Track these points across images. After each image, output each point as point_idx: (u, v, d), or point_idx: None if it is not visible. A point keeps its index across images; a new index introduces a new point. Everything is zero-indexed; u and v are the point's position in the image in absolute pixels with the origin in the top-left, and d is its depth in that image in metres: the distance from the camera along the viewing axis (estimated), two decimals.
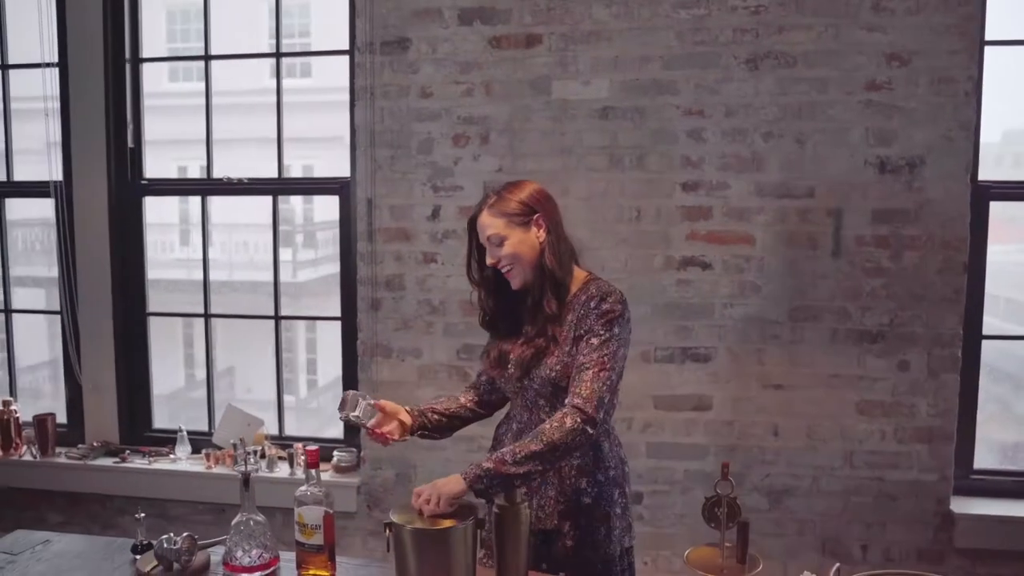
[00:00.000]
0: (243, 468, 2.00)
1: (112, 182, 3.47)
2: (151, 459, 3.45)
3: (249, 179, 3.48)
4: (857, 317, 2.94)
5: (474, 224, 1.99)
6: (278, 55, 3.40)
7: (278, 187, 3.46)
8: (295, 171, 8.71)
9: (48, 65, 3.47)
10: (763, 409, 3.01)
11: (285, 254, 10.64)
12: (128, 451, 3.49)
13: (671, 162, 2.98)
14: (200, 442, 3.49)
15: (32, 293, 6.28)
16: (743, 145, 2.94)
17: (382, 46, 3.10)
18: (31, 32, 3.45)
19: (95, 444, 3.53)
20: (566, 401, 1.86)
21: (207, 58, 3.49)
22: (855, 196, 2.90)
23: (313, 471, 1.94)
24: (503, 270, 1.95)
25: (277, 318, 3.52)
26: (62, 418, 3.66)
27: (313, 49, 9.30)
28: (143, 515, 2.11)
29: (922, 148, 2.86)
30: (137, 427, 3.60)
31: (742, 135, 2.94)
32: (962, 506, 2.97)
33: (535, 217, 1.93)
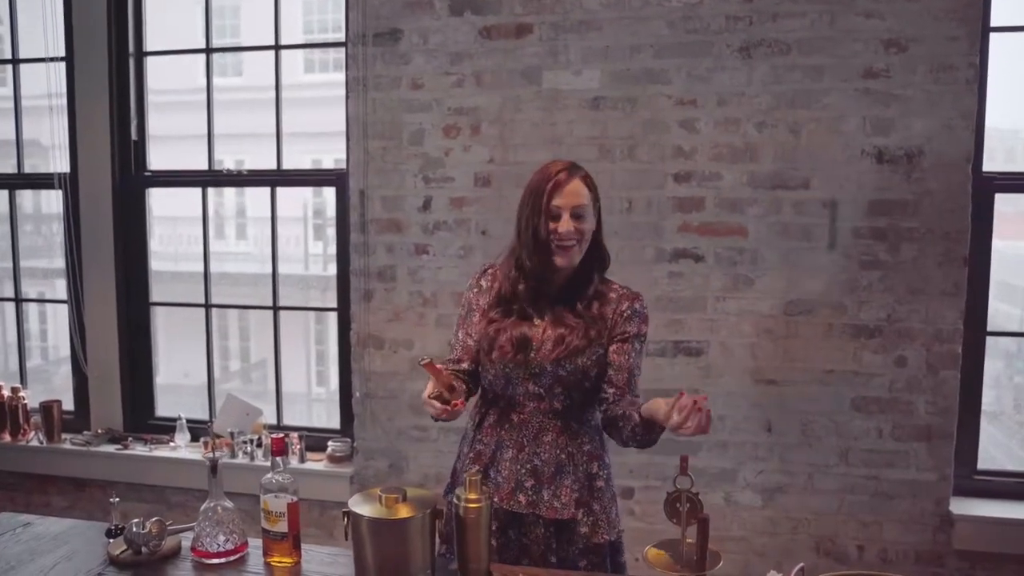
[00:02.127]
0: (211, 455, 2.02)
1: (116, 174, 3.52)
2: (152, 447, 3.50)
3: (248, 171, 3.52)
4: (853, 311, 2.88)
5: (555, 186, 1.87)
6: (277, 47, 3.42)
7: (276, 178, 3.48)
8: (326, 164, 8.80)
9: (54, 60, 3.53)
10: (756, 405, 2.96)
11: (316, 247, 10.76)
12: (130, 438, 3.55)
13: (663, 152, 2.94)
14: (201, 430, 3.53)
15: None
16: (736, 135, 2.89)
17: (374, 37, 3.10)
18: (37, 28, 3.51)
19: (99, 431, 3.59)
20: (631, 398, 1.91)
21: (208, 51, 3.52)
22: (851, 187, 2.84)
23: (279, 459, 1.94)
24: (567, 242, 1.87)
25: (276, 308, 3.54)
26: (70, 405, 3.73)
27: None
28: (117, 499, 2.14)
29: (921, 138, 2.78)
30: (140, 415, 3.66)
31: (735, 125, 2.89)
32: (962, 507, 2.89)
33: (598, 206, 1.96)
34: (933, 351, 2.85)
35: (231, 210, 10.86)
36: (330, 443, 3.36)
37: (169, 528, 2.01)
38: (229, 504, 1.97)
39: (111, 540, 2.04)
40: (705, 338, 2.97)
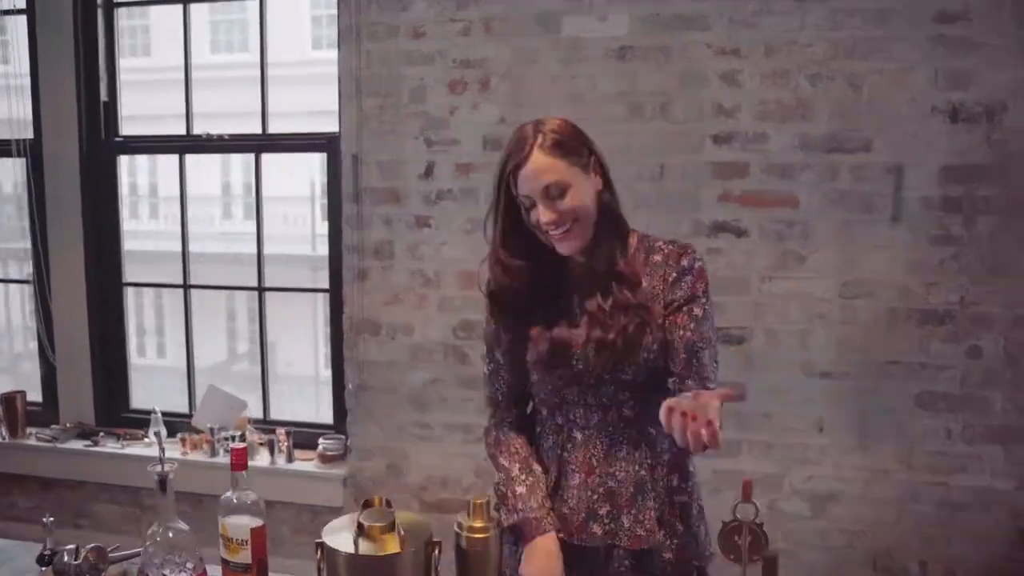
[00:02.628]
0: (160, 469, 1.65)
1: (84, 139, 3.16)
2: (124, 442, 3.15)
3: (231, 135, 3.15)
4: (920, 294, 2.49)
5: (512, 174, 1.46)
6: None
7: (262, 143, 3.11)
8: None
9: (11, 12, 3.17)
10: (807, 400, 2.59)
11: (322, 228, 10.43)
12: (102, 433, 3.20)
13: (700, 110, 2.56)
14: (179, 424, 3.19)
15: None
16: (786, 90, 2.51)
17: None
18: None
19: (68, 425, 3.24)
20: (691, 385, 1.44)
21: (185, 1, 3.14)
22: (920, 150, 2.45)
23: (241, 474, 1.58)
24: (557, 231, 1.46)
25: (261, 289, 3.18)
26: (37, 396, 3.39)
27: None
28: (51, 519, 1.78)
29: (1003, 92, 2.38)
30: (114, 407, 3.31)
31: (784, 78, 2.51)
32: None
33: (592, 160, 1.49)
34: (1012, 339, 2.46)
35: (239, 188, 10.53)
36: (321, 441, 3.00)
37: (111, 556, 1.66)
38: (183, 526, 1.61)
39: (42, 569, 1.69)
40: (748, 324, 2.59)
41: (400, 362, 2.86)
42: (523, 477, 1.57)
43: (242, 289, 3.44)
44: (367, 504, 1.46)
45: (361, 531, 1.40)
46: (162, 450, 2.07)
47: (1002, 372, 2.47)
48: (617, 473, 1.54)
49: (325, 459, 2.98)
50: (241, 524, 1.55)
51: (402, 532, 1.40)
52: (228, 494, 1.57)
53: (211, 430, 3.03)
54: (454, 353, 2.81)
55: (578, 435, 1.57)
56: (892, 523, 2.58)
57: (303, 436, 3.06)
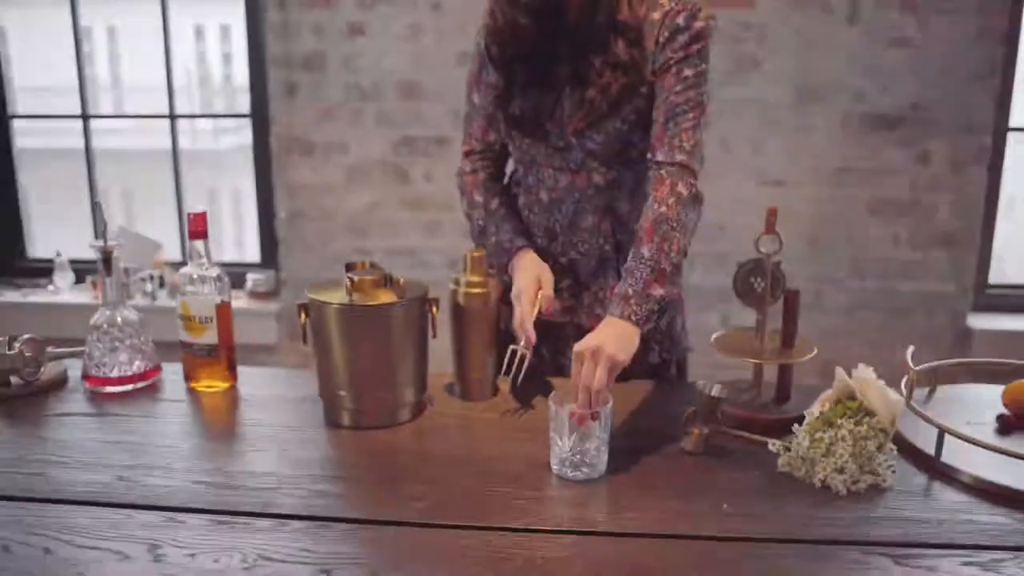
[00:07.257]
0: (101, 243, 1.43)
1: None
2: (26, 292, 2.86)
3: None
4: (874, 97, 2.47)
5: None
6: None
7: None
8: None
9: None
10: (759, 209, 2.55)
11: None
12: None
13: None
14: (86, 270, 2.91)
15: None
16: None
17: None
18: None
19: None
20: (659, 158, 1.30)
21: None
22: None
23: (201, 243, 1.39)
24: None
25: (172, 117, 2.88)
26: None
27: None
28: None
29: None
30: (10, 255, 2.99)
31: None
32: (980, 322, 2.60)
33: None
34: (960, 145, 2.49)
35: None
36: (249, 276, 2.80)
37: (51, 352, 1.46)
38: (133, 315, 1.43)
39: None
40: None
41: (336, 185, 2.66)
42: (501, 210, 1.45)
43: (150, 117, 3.10)
44: (350, 267, 1.31)
45: (352, 286, 1.25)
46: (104, 223, 1.85)
47: (948, 178, 2.50)
48: (580, 244, 1.44)
49: (255, 296, 2.79)
50: (205, 299, 1.38)
51: (401, 281, 1.27)
52: (187, 269, 1.40)
53: (125, 271, 2.77)
54: (395, 172, 2.63)
55: (544, 197, 1.45)
56: (841, 331, 2.61)
57: (233, 275, 2.84)
